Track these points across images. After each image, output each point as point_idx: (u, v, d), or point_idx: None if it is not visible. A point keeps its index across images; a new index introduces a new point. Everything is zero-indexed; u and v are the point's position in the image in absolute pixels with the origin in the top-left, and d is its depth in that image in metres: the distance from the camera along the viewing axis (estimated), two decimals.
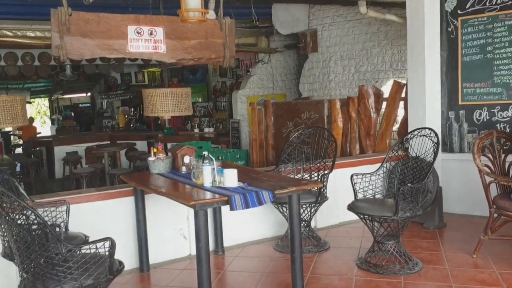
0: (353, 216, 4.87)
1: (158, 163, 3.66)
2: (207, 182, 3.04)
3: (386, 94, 5.62)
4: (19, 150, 13.63)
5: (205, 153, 3.27)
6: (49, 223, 3.25)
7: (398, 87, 5.38)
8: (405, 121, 5.25)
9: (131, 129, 12.23)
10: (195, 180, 3.21)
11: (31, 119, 14.20)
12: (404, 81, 5.53)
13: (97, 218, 3.64)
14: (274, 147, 6.16)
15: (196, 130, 10.61)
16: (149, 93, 4.71)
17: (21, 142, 13.72)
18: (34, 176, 9.89)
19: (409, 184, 3.62)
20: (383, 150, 5.44)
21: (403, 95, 5.34)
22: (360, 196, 3.81)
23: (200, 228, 2.67)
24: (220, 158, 6.31)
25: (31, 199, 3.32)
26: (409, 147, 4.13)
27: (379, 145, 5.48)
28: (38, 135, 13.68)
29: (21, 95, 4.55)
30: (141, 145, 10.70)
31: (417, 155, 3.80)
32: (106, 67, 11.46)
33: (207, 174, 3.04)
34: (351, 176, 3.81)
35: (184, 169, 3.67)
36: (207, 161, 3.15)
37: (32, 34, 6.95)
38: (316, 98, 7.56)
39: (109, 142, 10.82)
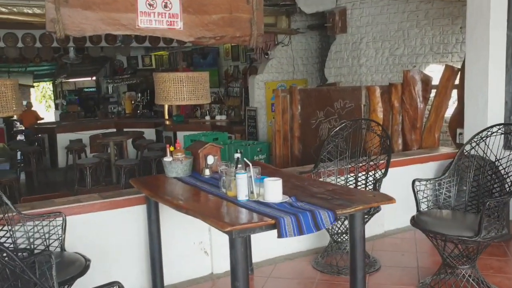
0: (399, 224, 4.19)
1: (176, 165, 2.95)
2: (242, 194, 2.34)
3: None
4: (21, 137, 13.02)
5: (238, 155, 2.56)
6: (40, 241, 2.58)
7: (451, 73, 4.63)
8: (458, 112, 4.51)
9: (138, 115, 11.56)
10: (224, 191, 2.51)
11: (30, 104, 13.55)
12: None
13: (101, 232, 2.96)
14: (300, 140, 5.44)
15: (207, 118, 9.91)
16: (161, 78, 4.00)
17: (23, 128, 13.07)
18: (35, 165, 9.30)
19: (496, 196, 2.91)
20: (431, 145, 4.72)
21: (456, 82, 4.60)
22: (423, 207, 3.10)
23: (238, 262, 1.98)
24: (239, 151, 5.62)
25: (18, 210, 2.64)
26: (485, 146, 3.37)
27: (426, 140, 4.75)
28: (41, 121, 13.06)
29: (14, 79, 3.85)
30: (149, 133, 10.04)
31: (496, 157, 3.07)
32: (112, 50, 10.74)
33: (242, 184, 2.34)
34: (413, 183, 3.09)
35: (207, 172, 2.97)
36: (240, 165, 2.45)
37: (30, 11, 6.20)
38: (344, 84, 6.81)
39: (115, 129, 10.20)
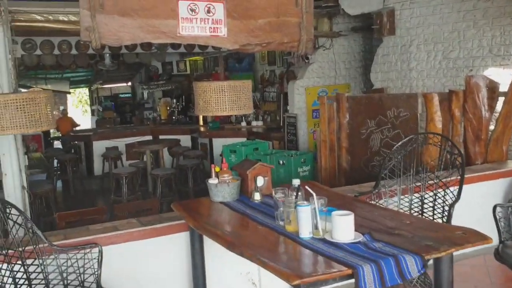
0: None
1: (222, 188, 2.64)
2: (305, 231, 1.99)
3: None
4: (58, 144, 13.09)
5: (298, 182, 2.21)
6: (74, 276, 2.31)
7: None
8: None
9: (173, 121, 11.39)
10: (282, 223, 2.17)
11: (65, 111, 13.61)
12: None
13: (140, 263, 2.68)
14: (349, 151, 5.05)
15: (243, 124, 9.61)
16: (201, 87, 3.71)
17: (60, 135, 13.13)
18: (72, 173, 9.24)
19: None
20: (497, 159, 4.25)
21: None
22: (505, 235, 2.67)
23: None
24: (281, 163, 5.29)
25: (49, 241, 2.37)
26: None
27: (492, 153, 4.28)
28: (77, 128, 13.09)
29: (47, 91, 3.64)
30: (184, 140, 9.84)
31: None
32: (147, 56, 10.58)
33: (305, 218, 1.99)
34: (494, 208, 2.67)
35: (257, 196, 2.64)
36: (300, 193, 2.11)
37: (65, 19, 6.05)
38: (392, 90, 6.37)
39: (151, 136, 10.05)
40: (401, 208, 3.16)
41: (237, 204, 2.60)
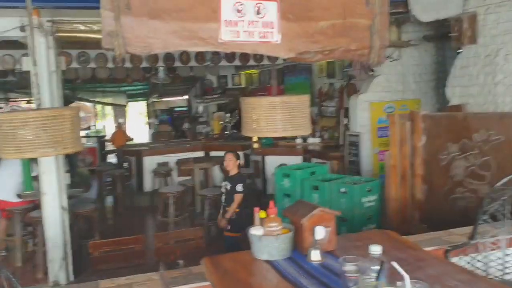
0: None
1: (269, 242, 1.99)
2: None
3: None
4: (113, 158, 13.01)
5: (378, 250, 1.53)
6: None
7: None
8: None
9: (225, 136, 10.94)
10: None
11: (119, 125, 13.58)
12: None
13: None
14: (425, 180, 4.27)
15: (299, 141, 8.95)
16: (249, 104, 3.14)
17: (114, 148, 13.06)
18: (122, 189, 8.98)
19: None
20: None
21: None
22: None
23: None
24: (343, 191, 4.57)
25: None
26: None
27: None
28: (131, 142, 12.97)
29: (74, 107, 3.19)
30: None
31: None
32: (201, 69, 10.24)
33: None
34: None
35: (316, 255, 1.97)
36: (383, 270, 1.44)
37: None
38: (473, 107, 5.49)
39: (202, 152, 9.64)
40: (507, 267, 2.38)
41: (287, 266, 1.94)
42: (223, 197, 5.24)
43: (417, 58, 6.88)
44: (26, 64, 5.12)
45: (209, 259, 2.12)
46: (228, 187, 5.18)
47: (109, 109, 21.49)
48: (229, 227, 5.14)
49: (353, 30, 2.85)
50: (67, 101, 8.48)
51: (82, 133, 15.98)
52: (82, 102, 15.32)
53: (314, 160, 7.99)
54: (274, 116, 3.09)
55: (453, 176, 4.00)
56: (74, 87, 13.89)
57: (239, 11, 2.56)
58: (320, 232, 2.00)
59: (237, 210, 5.09)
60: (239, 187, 5.03)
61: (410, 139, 4.33)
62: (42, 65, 5.09)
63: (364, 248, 1.64)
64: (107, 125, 18.85)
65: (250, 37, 2.60)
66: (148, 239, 4.20)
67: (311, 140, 9.00)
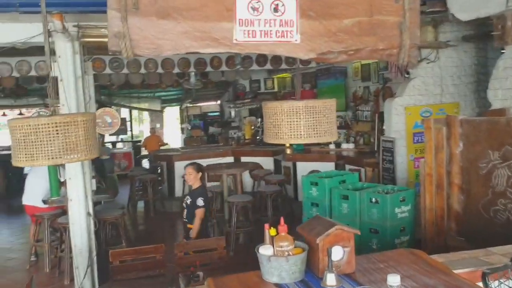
0: None
1: (279, 263, 1.79)
2: None
3: None
4: (146, 163, 13.12)
5: (396, 282, 1.31)
6: None
7: None
8: None
9: (257, 141, 10.80)
10: None
11: (153, 130, 13.68)
12: None
13: None
14: (462, 190, 3.95)
15: (332, 146, 8.68)
16: (270, 109, 2.98)
17: (147, 153, 13.16)
18: (152, 194, 8.99)
19: None
20: None
21: None
22: None
23: None
24: (374, 201, 4.31)
25: None
26: None
27: None
28: (164, 147, 13.03)
29: (89, 113, 3.10)
30: (266, 162, 9.18)
31: None
32: (232, 73, 10.13)
33: None
34: None
35: (332, 280, 1.75)
36: None
37: None
38: None
39: (232, 158, 9.53)
40: None
41: None
42: (184, 212, 4.93)
43: (455, 59, 6.51)
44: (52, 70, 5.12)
45: (212, 281, 1.93)
46: (189, 201, 4.86)
47: (146, 115, 21.79)
48: None
49: (381, 28, 2.63)
50: (103, 107, 8.57)
51: (114, 138, 16.23)
52: (111, 108, 15.57)
53: (348, 166, 7.71)
54: (297, 122, 2.91)
55: (494, 186, 3.68)
56: (110, 93, 14.12)
57: (255, 9, 2.39)
58: (337, 253, 1.79)
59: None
60: (200, 201, 4.71)
61: (447, 146, 4.03)
62: (69, 70, 5.06)
63: (387, 271, 1.42)
64: (144, 130, 19.08)
65: (267, 36, 2.42)
66: (171, 247, 4.06)
67: (344, 146, 8.73)
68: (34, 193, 5.91)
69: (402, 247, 4.15)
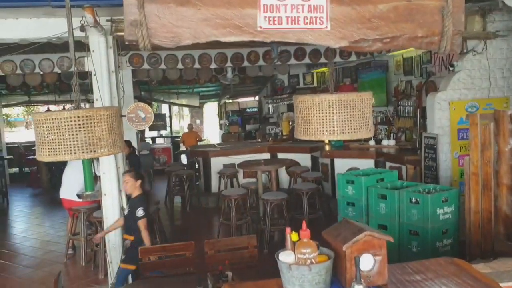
0: None
1: (300, 272, 1.61)
2: None
3: None
4: (185, 158, 13.19)
5: None
6: None
7: None
8: None
9: (294, 138, 10.60)
10: None
11: (190, 126, 13.72)
12: None
13: None
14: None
15: (372, 143, 8.36)
16: (301, 102, 2.81)
17: (185, 149, 13.24)
18: (188, 189, 8.99)
19: None
20: None
21: None
22: None
23: None
24: (414, 201, 4.04)
25: None
26: None
27: None
28: (201, 143, 13.06)
29: (112, 108, 3.01)
30: (304, 159, 8.97)
31: None
32: (270, 68, 9.97)
33: None
34: None
35: None
36: None
37: None
38: None
39: (268, 154, 9.37)
40: None
41: None
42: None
43: (505, 51, 6.07)
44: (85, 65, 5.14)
45: (228, 287, 1.79)
46: (126, 212, 4.54)
47: (186, 111, 21.99)
48: (123, 256, 4.55)
49: (420, 14, 2.41)
50: (143, 102, 8.63)
51: (154, 133, 16.42)
52: (150, 104, 15.77)
53: (388, 164, 7.39)
54: (330, 117, 2.73)
55: None
56: (150, 89, 14.30)
57: None
58: (367, 262, 1.59)
59: (132, 237, 4.41)
60: (140, 212, 4.37)
61: (495, 143, 3.72)
62: (102, 65, 5.06)
63: (424, 285, 1.24)
64: (184, 126, 19.24)
65: (294, 23, 2.26)
66: (201, 244, 3.96)
67: (385, 142, 8.39)
68: (70, 187, 5.98)
69: (444, 250, 3.88)
